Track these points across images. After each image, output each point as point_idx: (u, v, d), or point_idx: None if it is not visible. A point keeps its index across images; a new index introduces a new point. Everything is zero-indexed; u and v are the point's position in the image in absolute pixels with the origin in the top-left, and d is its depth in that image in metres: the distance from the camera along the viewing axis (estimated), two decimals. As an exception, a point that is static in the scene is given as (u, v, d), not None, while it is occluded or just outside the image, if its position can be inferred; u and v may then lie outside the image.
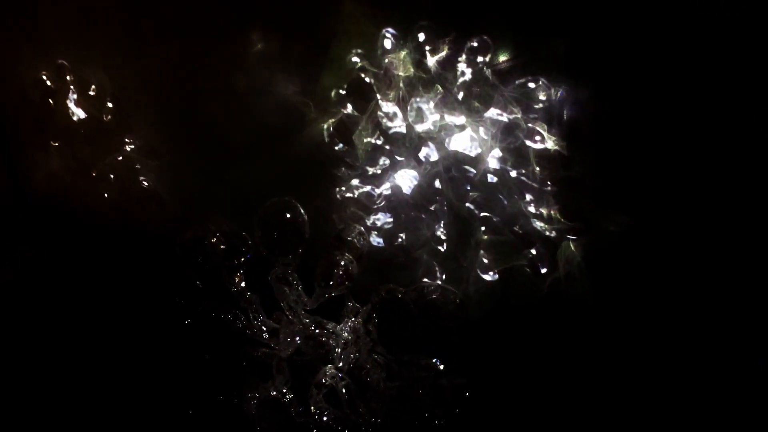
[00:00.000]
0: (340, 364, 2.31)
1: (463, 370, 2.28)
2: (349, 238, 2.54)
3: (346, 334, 2.35)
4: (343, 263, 2.35)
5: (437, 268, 3.11)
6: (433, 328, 2.11)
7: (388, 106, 3.04)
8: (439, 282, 3.06)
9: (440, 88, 2.95)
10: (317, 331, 2.37)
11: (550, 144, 2.91)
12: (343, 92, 3.07)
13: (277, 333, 2.41)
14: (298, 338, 2.37)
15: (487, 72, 2.90)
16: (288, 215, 2.36)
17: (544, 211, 2.96)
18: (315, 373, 2.31)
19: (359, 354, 2.30)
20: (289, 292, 2.36)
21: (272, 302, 2.44)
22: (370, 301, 2.27)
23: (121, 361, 2.74)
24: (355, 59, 3.04)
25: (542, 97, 2.87)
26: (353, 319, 2.37)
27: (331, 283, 2.34)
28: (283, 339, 2.39)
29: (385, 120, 3.07)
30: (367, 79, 3.03)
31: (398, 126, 3.08)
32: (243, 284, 2.39)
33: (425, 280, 3.06)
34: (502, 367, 2.62)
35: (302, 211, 2.41)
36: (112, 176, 3.57)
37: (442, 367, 2.19)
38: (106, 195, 3.59)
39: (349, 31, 3.00)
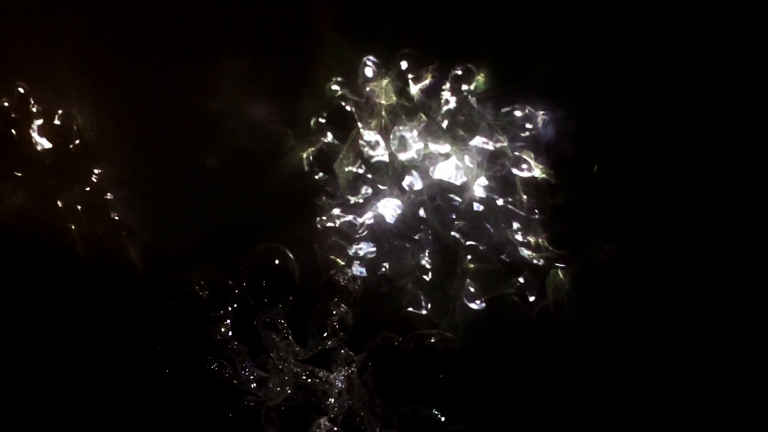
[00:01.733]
0: (333, 415, 2.22)
1: (465, 417, 2.22)
2: (341, 283, 2.45)
3: (340, 383, 2.27)
4: (336, 314, 2.27)
5: (422, 298, 3.05)
6: (433, 378, 2.04)
7: (369, 135, 2.97)
8: (424, 312, 3.00)
9: (424, 116, 2.89)
10: (309, 380, 2.28)
11: (537, 172, 2.88)
12: (324, 120, 2.99)
13: (266, 382, 2.31)
14: (288, 387, 2.27)
15: (472, 100, 2.85)
16: (277, 262, 2.26)
17: (531, 239, 2.92)
18: (307, 425, 2.22)
19: (353, 402, 2.22)
20: (278, 340, 2.26)
21: (261, 349, 2.34)
22: (365, 349, 2.19)
23: (96, 413, 2.59)
24: (335, 87, 2.97)
25: (528, 125, 2.84)
26: (347, 367, 2.28)
27: (326, 335, 2.25)
28: (273, 387, 2.29)
29: (366, 148, 3.00)
30: (348, 107, 2.96)
31: (381, 155, 3.01)
32: (230, 333, 2.28)
33: (410, 309, 3.00)
34: (502, 410, 2.56)
35: (291, 256, 2.31)
36: (79, 207, 3.42)
37: (443, 418, 2.12)
38: (73, 227, 3.45)
39: (329, 58, 2.93)
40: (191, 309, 2.23)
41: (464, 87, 2.84)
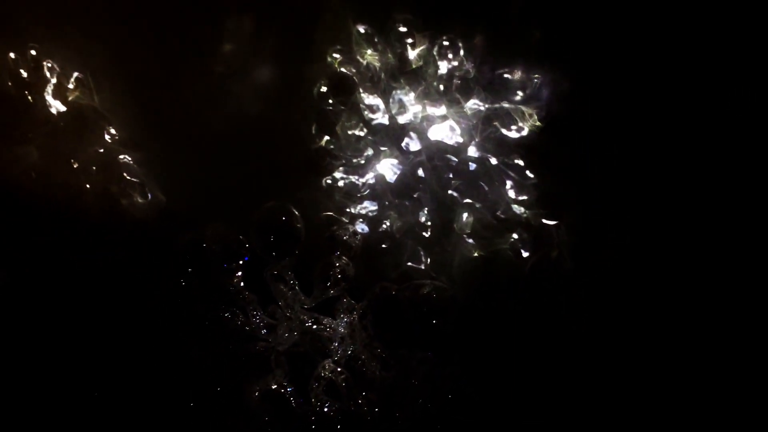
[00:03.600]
0: (337, 358, 2.41)
1: (457, 359, 2.39)
2: (343, 238, 2.62)
3: (342, 329, 2.45)
4: (339, 266, 2.44)
5: (422, 253, 3.20)
6: (427, 323, 2.21)
7: (370, 99, 3.10)
8: (423, 267, 3.15)
9: (421, 80, 3.02)
10: (314, 326, 2.47)
11: (530, 131, 3.00)
12: (327, 85, 3.11)
13: (275, 328, 2.50)
14: (295, 333, 2.46)
15: (467, 64, 2.97)
16: (284, 219, 2.43)
17: (525, 196, 3.06)
18: (313, 367, 2.41)
19: (355, 347, 2.40)
20: (285, 290, 2.44)
21: (271, 299, 2.52)
22: (365, 298, 2.37)
23: (119, 360, 2.77)
24: (337, 54, 3.08)
25: (520, 87, 2.96)
26: (349, 315, 2.47)
27: (329, 285, 2.43)
28: (281, 334, 2.48)
29: (367, 112, 3.13)
30: (350, 73, 3.08)
31: (381, 117, 3.14)
32: (242, 284, 2.46)
33: (410, 264, 3.14)
34: (494, 354, 2.72)
35: (297, 214, 2.47)
36: (94, 168, 3.54)
37: (435, 359, 2.30)
38: (88, 186, 3.57)
39: (331, 24, 3.03)
40: (205, 263, 2.39)
41: (460, 51, 2.94)
